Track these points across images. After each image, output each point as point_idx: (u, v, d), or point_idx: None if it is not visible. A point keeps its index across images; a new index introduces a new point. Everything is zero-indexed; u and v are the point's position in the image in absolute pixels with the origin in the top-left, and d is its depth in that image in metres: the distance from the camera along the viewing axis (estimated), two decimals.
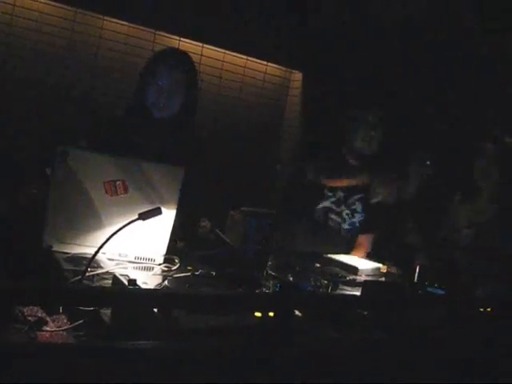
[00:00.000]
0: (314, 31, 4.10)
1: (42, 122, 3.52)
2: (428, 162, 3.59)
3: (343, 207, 3.07)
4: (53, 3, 3.64)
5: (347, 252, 2.96)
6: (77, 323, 1.53)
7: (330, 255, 2.62)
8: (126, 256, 1.99)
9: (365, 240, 3.10)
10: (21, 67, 3.57)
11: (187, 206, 2.80)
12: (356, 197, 3.08)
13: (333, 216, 3.07)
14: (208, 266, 2.13)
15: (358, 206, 3.08)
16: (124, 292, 1.32)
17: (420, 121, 3.66)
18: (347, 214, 3.07)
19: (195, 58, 4.09)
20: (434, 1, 3.70)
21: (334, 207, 3.06)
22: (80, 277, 1.66)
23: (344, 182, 3.00)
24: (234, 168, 4.15)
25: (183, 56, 2.65)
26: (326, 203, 3.06)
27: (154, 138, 2.49)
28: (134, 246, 1.99)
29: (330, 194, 3.07)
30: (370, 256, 2.92)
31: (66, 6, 3.68)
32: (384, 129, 3.04)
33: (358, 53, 3.96)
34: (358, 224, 3.08)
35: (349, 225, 3.08)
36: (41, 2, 3.61)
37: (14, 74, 3.55)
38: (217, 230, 3.45)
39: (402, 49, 3.78)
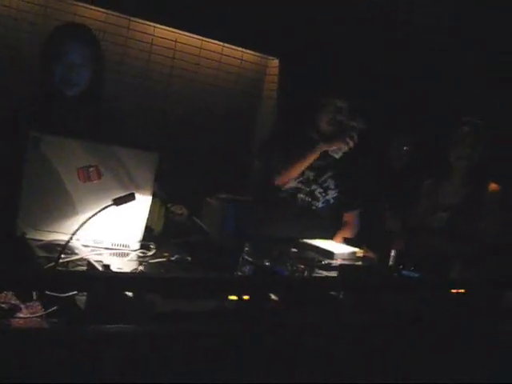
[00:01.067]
0: (289, 17, 4.09)
1: None
2: (405, 148, 3.64)
3: (314, 186, 3.04)
4: None
5: (333, 233, 2.97)
6: (51, 309, 1.52)
7: (306, 240, 2.62)
8: (101, 242, 1.98)
9: (351, 218, 3.09)
10: None
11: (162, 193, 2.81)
12: (328, 174, 3.06)
13: (302, 195, 3.04)
14: (184, 253, 2.15)
15: (331, 183, 3.05)
16: (98, 276, 1.31)
17: (395, 107, 3.69)
18: (320, 193, 3.04)
19: (170, 44, 4.09)
20: None
21: (302, 187, 3.05)
22: (53, 263, 1.64)
23: (305, 163, 2.96)
24: (209, 154, 4.14)
25: (84, 29, 2.56)
26: (293, 183, 3.04)
27: (69, 117, 2.40)
28: (109, 232, 1.98)
29: (299, 177, 3.05)
30: (348, 240, 2.91)
31: None
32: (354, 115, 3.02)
33: (335, 39, 3.96)
34: (332, 201, 3.07)
35: (322, 203, 3.06)
36: None
37: None
38: (193, 217, 3.45)
39: (378, 34, 3.79)
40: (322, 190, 3.05)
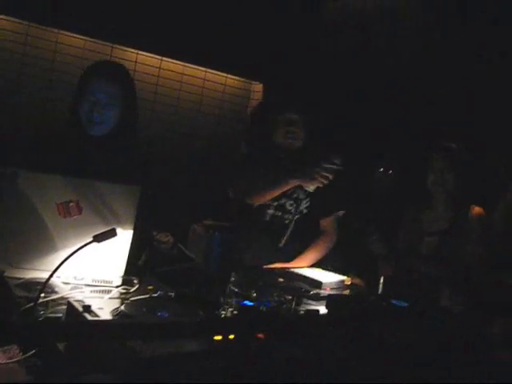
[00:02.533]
0: (272, 41, 4.09)
1: None
2: (390, 172, 3.61)
3: (283, 200, 2.93)
4: (5, 17, 3.56)
5: (311, 243, 2.91)
6: (29, 354, 1.46)
7: (292, 269, 2.58)
8: (83, 279, 1.92)
9: (329, 223, 3.00)
10: None
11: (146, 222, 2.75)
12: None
13: (278, 213, 2.97)
14: (170, 284, 2.09)
15: (300, 193, 2.93)
16: (75, 325, 1.26)
17: (375, 131, 3.67)
18: (291, 205, 2.93)
19: (154, 71, 4.07)
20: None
21: (276, 206, 2.96)
22: (32, 304, 1.59)
23: (276, 193, 2.91)
24: (195, 180, 4.11)
25: (117, 67, 2.56)
26: (270, 211, 2.98)
27: (93, 156, 2.38)
28: (91, 268, 1.93)
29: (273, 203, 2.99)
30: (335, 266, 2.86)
31: (18, 20, 3.60)
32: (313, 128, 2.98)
33: (318, 62, 3.97)
34: (305, 210, 2.97)
35: (298, 214, 2.94)
36: None
37: None
38: (179, 245, 3.40)
39: (358, 57, 3.80)
40: (292, 202, 2.94)
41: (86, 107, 2.37)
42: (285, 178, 2.80)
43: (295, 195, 2.94)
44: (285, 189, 2.83)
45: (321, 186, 2.76)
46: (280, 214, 2.95)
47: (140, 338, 1.25)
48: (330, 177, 2.73)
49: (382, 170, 3.54)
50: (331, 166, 2.73)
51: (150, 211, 2.65)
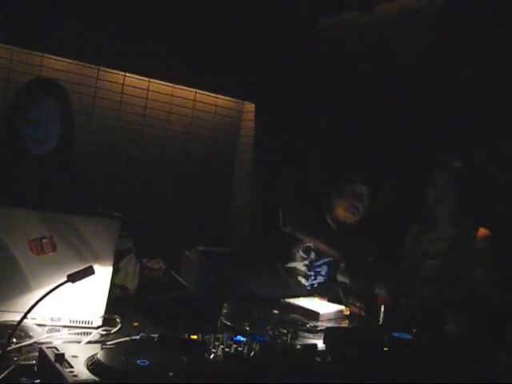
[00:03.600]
0: (264, 60, 3.99)
1: None
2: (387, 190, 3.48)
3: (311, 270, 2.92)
4: None
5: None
6: None
7: (288, 300, 2.45)
8: (59, 320, 1.79)
9: None
10: None
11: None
12: (323, 260, 2.92)
13: (299, 277, 2.89)
14: (157, 320, 1.97)
15: (324, 270, 2.91)
16: None
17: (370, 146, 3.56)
18: (310, 276, 2.89)
19: (142, 93, 3.96)
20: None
21: (303, 269, 2.89)
22: (1, 352, 1.45)
23: (323, 247, 2.84)
24: (186, 204, 3.98)
25: (51, 84, 2.49)
26: (299, 265, 2.89)
27: (36, 177, 2.28)
28: (68, 308, 1.79)
29: (305, 256, 2.90)
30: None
31: (1, 44, 3.48)
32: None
33: (311, 80, 3.86)
34: (316, 285, 2.90)
35: (309, 285, 2.90)
36: None
37: None
38: (171, 272, 3.27)
39: (354, 72, 3.69)
40: (313, 274, 2.90)
41: (28, 126, 2.28)
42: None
43: (318, 269, 2.93)
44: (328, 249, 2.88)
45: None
46: (301, 279, 2.92)
47: None
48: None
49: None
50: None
51: (138, 238, 2.55)
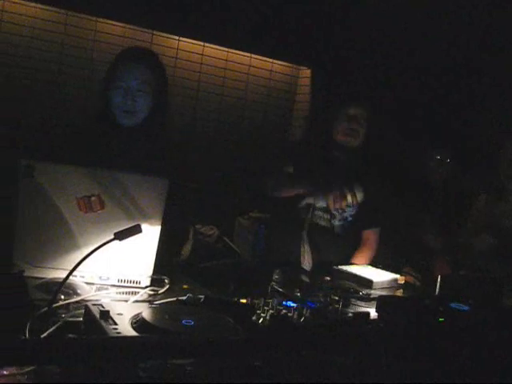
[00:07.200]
0: (321, 24, 3.87)
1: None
2: (448, 160, 3.34)
3: None
4: (43, 7, 3.46)
5: (351, 253, 2.74)
6: (39, 364, 1.32)
7: (341, 267, 2.38)
8: (108, 279, 1.78)
9: (371, 235, 2.83)
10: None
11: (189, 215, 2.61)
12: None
13: (318, 212, 2.77)
14: (207, 283, 1.94)
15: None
16: (73, 346, 1.09)
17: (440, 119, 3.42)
18: (336, 210, 2.71)
19: (196, 58, 3.91)
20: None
21: (323, 208, 2.77)
22: (46, 308, 1.44)
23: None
24: (241, 171, 3.93)
25: (146, 53, 2.40)
26: (310, 199, 2.75)
27: (122, 148, 2.24)
28: (117, 267, 1.78)
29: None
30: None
31: (56, 9, 3.49)
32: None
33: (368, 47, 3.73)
34: (350, 218, 2.79)
35: (339, 220, 2.78)
36: (31, 7, 3.43)
37: None
38: (224, 238, 3.25)
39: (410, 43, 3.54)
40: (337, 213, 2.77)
41: (118, 95, 2.22)
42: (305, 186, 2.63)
43: None
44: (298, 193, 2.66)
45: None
46: (324, 215, 2.76)
47: (158, 356, 1.08)
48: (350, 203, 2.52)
49: (438, 158, 3.27)
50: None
51: (192, 204, 2.51)
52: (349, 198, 2.47)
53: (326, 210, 2.73)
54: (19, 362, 1.10)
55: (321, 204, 2.71)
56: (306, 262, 2.61)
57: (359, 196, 2.62)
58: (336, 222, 2.77)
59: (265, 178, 2.81)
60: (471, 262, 2.65)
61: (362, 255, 2.75)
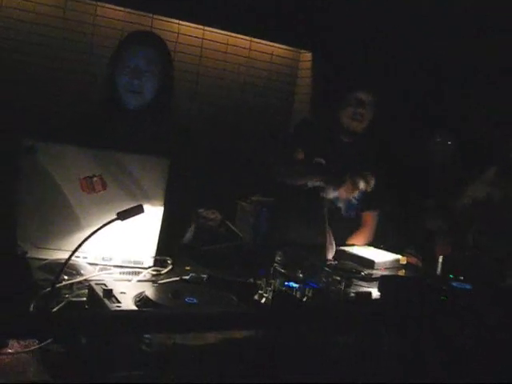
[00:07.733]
0: (322, 7, 3.85)
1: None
2: (449, 142, 3.34)
3: None
4: None
5: (352, 232, 2.75)
6: (45, 342, 1.33)
7: (343, 247, 2.39)
8: (111, 260, 1.78)
9: (370, 218, 2.84)
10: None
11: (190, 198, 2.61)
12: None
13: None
14: (209, 265, 1.94)
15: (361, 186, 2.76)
16: (82, 319, 1.10)
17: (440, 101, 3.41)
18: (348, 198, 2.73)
19: (196, 42, 3.90)
20: None
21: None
22: (50, 288, 1.45)
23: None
24: (241, 154, 3.93)
25: (152, 35, 2.42)
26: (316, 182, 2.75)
27: (130, 128, 2.24)
28: (120, 248, 1.78)
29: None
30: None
31: None
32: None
33: (374, 27, 3.71)
34: (356, 202, 2.80)
35: (344, 203, 2.79)
36: None
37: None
38: (227, 222, 3.26)
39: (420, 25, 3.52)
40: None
41: (124, 75, 2.22)
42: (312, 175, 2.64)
43: None
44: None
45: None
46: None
47: (161, 330, 1.09)
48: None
49: (439, 140, 3.27)
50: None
51: (193, 187, 2.51)
52: (361, 185, 2.49)
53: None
54: (25, 336, 1.10)
55: (332, 195, 2.72)
56: (330, 251, 2.62)
57: (371, 182, 2.62)
58: (341, 205, 2.77)
59: (276, 165, 2.82)
60: (475, 241, 2.65)
61: (362, 236, 2.75)
